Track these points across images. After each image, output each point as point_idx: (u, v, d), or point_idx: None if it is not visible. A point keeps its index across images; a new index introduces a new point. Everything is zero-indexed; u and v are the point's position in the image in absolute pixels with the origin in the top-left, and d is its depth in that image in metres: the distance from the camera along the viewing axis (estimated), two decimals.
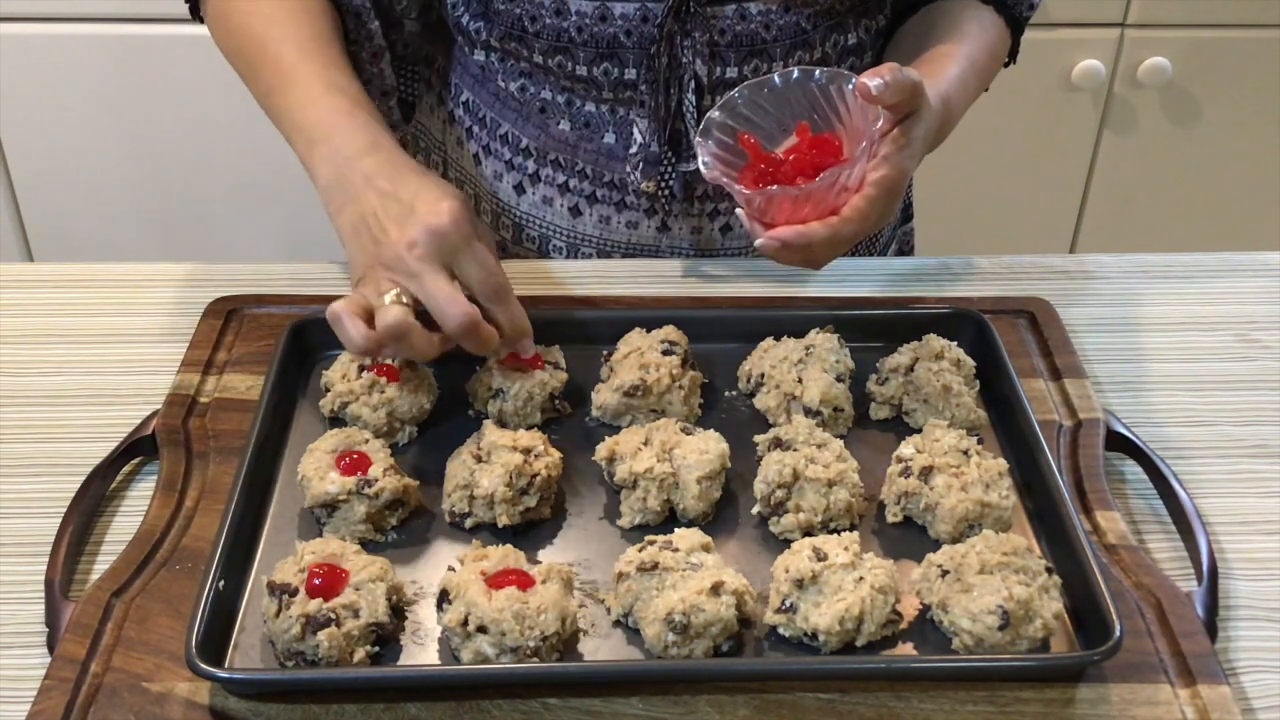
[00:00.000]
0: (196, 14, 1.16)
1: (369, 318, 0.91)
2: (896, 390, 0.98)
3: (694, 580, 0.79)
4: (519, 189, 1.21)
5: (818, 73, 0.98)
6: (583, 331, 1.04)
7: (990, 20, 1.17)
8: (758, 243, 0.95)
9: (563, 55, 1.11)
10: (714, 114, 0.99)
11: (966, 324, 1.04)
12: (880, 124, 0.94)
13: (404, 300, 0.91)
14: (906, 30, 1.20)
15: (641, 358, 0.97)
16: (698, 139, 0.99)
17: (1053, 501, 0.88)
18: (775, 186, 0.94)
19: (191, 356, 1.02)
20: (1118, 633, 0.77)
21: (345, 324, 0.90)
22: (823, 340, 0.99)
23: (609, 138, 1.15)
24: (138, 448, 0.95)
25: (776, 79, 0.99)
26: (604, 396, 0.98)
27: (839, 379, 0.97)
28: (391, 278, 0.92)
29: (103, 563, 0.87)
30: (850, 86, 0.95)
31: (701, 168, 0.97)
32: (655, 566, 0.81)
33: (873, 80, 0.92)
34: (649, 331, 1.01)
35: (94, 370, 1.04)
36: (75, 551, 0.87)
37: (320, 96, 1.02)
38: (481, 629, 0.77)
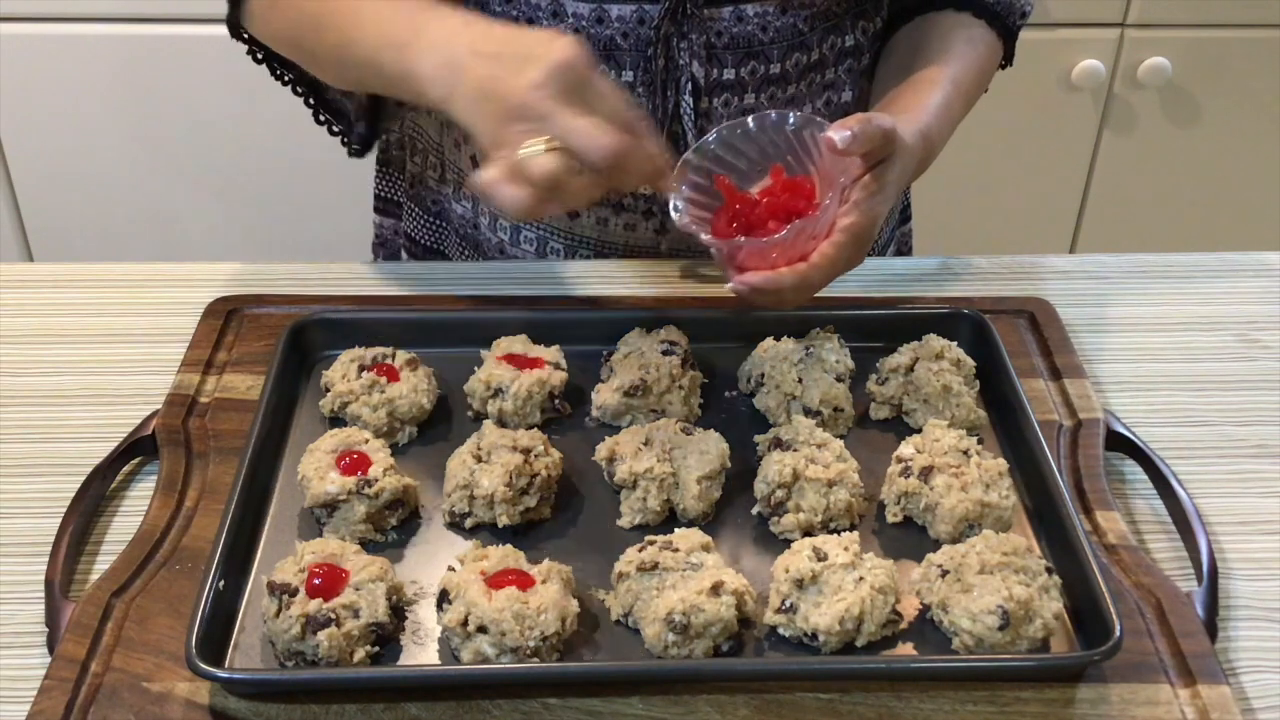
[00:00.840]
0: (236, 30, 1.12)
1: (518, 180, 0.87)
2: (896, 390, 0.98)
3: (694, 580, 0.80)
4: None
5: (791, 117, 0.98)
6: (583, 331, 1.04)
7: (980, 35, 1.16)
8: (728, 286, 0.94)
9: None
10: (689, 156, 0.98)
11: (966, 324, 1.04)
12: (852, 170, 0.94)
13: (553, 146, 0.86)
14: (897, 42, 1.19)
15: (641, 358, 0.97)
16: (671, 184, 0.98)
17: (1053, 501, 0.88)
18: (742, 238, 0.94)
19: (191, 356, 1.02)
20: (1118, 633, 0.77)
21: (500, 190, 0.86)
22: (823, 340, 1.00)
23: None
24: (138, 448, 0.95)
25: (751, 123, 0.99)
26: (604, 396, 0.98)
27: (839, 379, 0.97)
28: (525, 129, 0.87)
29: (103, 563, 0.87)
30: (823, 134, 0.94)
31: (673, 214, 0.96)
32: (655, 566, 0.81)
33: (839, 134, 0.90)
34: (649, 331, 1.01)
35: (94, 370, 1.04)
36: (75, 551, 0.87)
37: (396, 9, 0.98)
38: (481, 629, 0.77)
